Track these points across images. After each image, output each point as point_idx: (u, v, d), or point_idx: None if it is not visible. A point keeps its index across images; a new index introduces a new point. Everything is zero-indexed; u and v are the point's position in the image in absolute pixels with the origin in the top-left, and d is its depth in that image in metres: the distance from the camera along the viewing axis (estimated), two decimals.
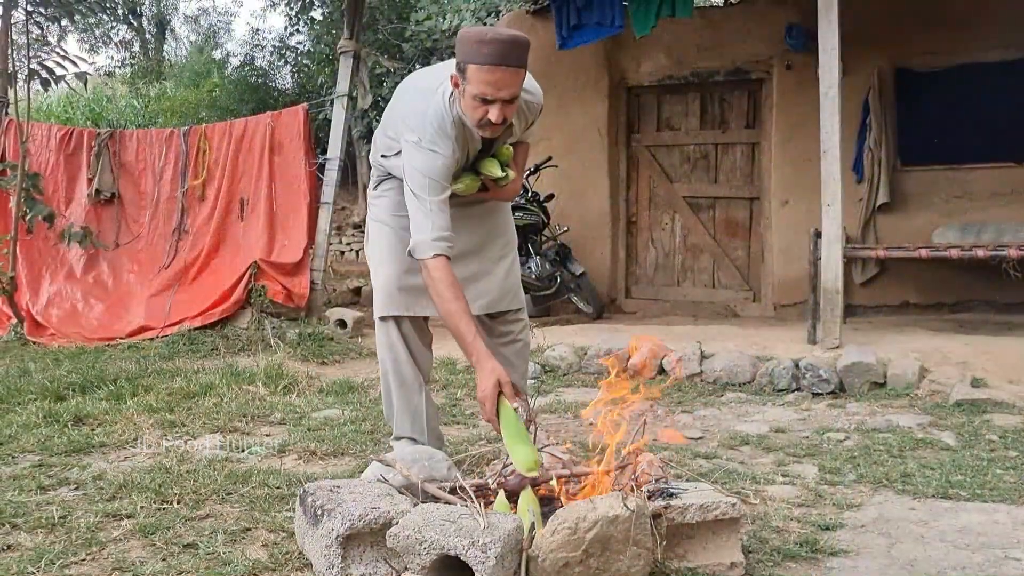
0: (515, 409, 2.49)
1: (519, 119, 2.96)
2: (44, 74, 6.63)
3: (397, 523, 2.11)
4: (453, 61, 2.81)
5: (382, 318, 3.15)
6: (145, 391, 4.60)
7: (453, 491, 2.40)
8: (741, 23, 7.58)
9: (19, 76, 6.88)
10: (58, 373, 5.01)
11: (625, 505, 2.07)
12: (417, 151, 2.82)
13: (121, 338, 6.40)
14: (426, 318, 3.20)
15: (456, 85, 2.74)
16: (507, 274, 3.26)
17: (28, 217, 6.67)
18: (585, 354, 5.49)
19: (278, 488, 2.99)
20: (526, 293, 7.08)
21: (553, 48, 7.13)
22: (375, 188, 3.27)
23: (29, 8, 6.61)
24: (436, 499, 2.37)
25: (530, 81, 2.93)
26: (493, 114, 2.66)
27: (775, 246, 7.53)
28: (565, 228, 7.65)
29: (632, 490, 2.26)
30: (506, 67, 2.61)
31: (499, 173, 2.97)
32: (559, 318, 7.47)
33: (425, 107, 2.85)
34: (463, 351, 2.74)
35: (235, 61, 16.35)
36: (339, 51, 7.09)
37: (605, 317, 7.59)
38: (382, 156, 3.17)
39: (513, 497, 2.36)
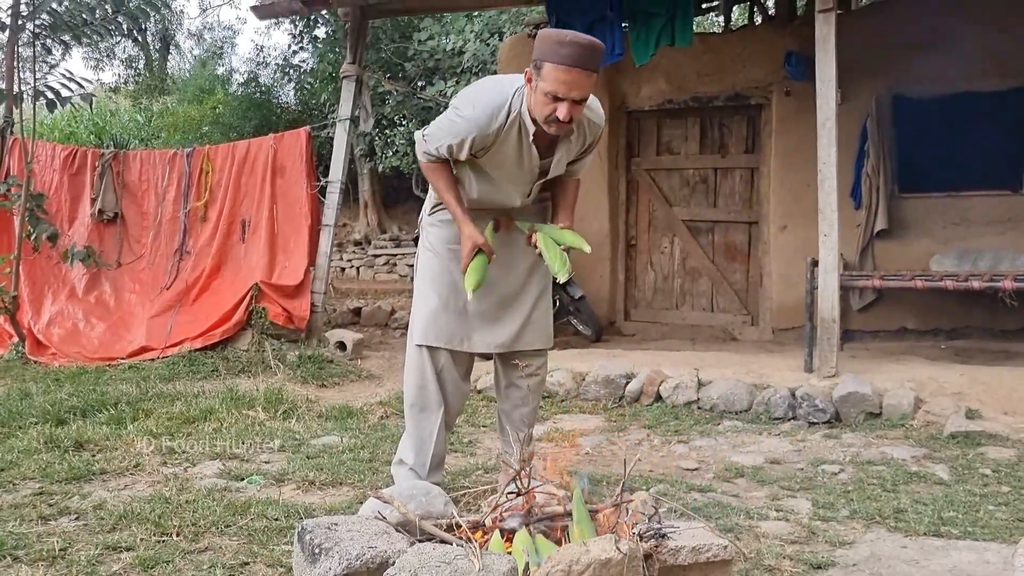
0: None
1: (579, 137, 3.03)
2: (50, 95, 6.69)
3: (393, 563, 2.14)
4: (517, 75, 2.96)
5: (418, 345, 3.21)
6: (145, 415, 4.64)
7: (450, 528, 2.42)
8: (741, 49, 7.64)
9: (25, 96, 6.93)
10: (59, 396, 5.04)
11: (618, 548, 2.10)
12: (465, 113, 2.94)
13: (122, 358, 6.45)
14: (470, 355, 3.26)
15: (529, 80, 2.83)
16: (543, 314, 3.32)
17: (32, 236, 6.72)
18: (583, 380, 5.52)
19: (276, 520, 3.02)
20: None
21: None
22: (431, 213, 3.31)
23: (36, 31, 6.67)
24: (433, 537, 2.40)
25: (593, 101, 3.02)
26: (562, 112, 2.75)
27: (773, 271, 7.57)
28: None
29: (625, 531, 2.29)
30: (581, 69, 2.71)
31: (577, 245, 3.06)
32: (558, 340, 7.47)
33: (491, 86, 3.00)
34: (454, 219, 3.12)
35: (239, 78, 16.43)
36: (342, 75, 7.15)
37: (604, 340, 7.62)
38: None
39: (508, 536, 2.38)
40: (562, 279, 2.94)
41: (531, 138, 2.92)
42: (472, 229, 3.03)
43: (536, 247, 3.02)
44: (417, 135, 3.15)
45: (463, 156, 2.99)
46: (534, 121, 2.86)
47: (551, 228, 3.08)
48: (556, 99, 2.73)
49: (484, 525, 2.52)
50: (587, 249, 3.00)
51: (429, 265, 3.25)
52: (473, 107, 2.93)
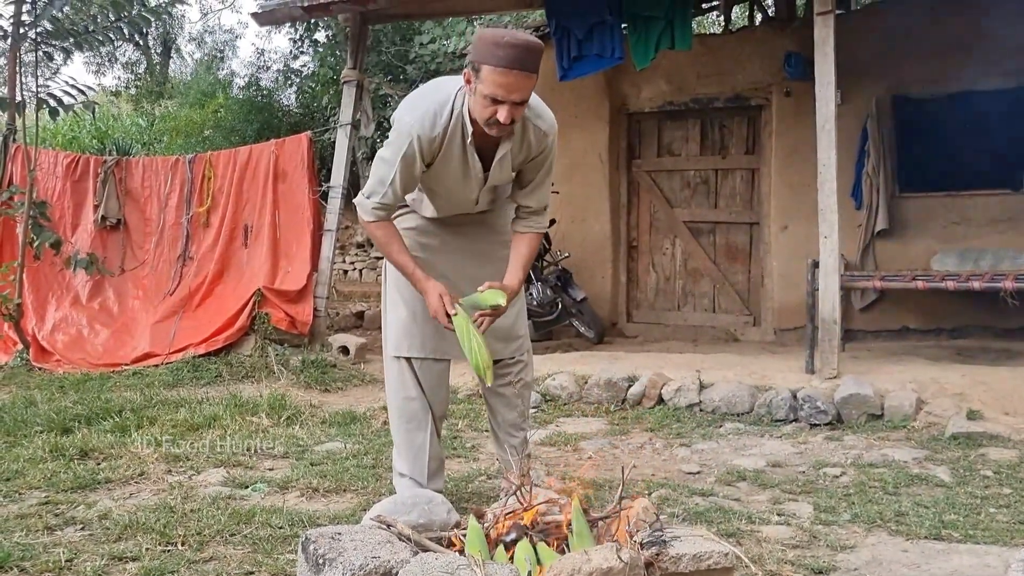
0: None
1: (522, 142, 2.95)
2: (52, 103, 6.71)
3: (397, 573, 2.15)
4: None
5: (395, 357, 3.20)
6: (150, 423, 4.66)
7: (451, 542, 2.43)
8: (740, 51, 7.66)
9: (27, 104, 6.95)
10: (64, 404, 5.07)
11: (619, 557, 2.12)
12: (402, 121, 2.88)
13: (126, 364, 6.48)
14: (448, 361, 3.24)
15: (468, 82, 2.78)
16: (515, 322, 3.28)
17: (35, 244, 6.75)
18: (585, 383, 5.53)
19: (280, 528, 3.04)
20: (527, 319, 7.17)
21: (554, 75, 7.20)
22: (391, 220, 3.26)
23: (38, 38, 6.69)
24: (438, 543, 2.42)
25: (542, 108, 2.96)
26: (502, 114, 2.71)
27: (775, 271, 7.58)
28: (566, 254, 7.70)
29: (627, 538, 2.30)
30: (520, 71, 2.67)
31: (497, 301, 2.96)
32: (560, 343, 7.53)
33: (432, 92, 2.93)
34: (408, 280, 3.03)
35: (240, 81, 16.46)
36: (343, 81, 7.17)
37: (606, 341, 7.65)
38: None
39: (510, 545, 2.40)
40: (488, 383, 2.88)
41: (470, 140, 2.87)
42: (432, 283, 2.94)
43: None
44: (357, 199, 3.04)
45: (417, 172, 2.92)
46: (474, 123, 2.82)
47: (472, 298, 2.97)
48: (496, 101, 2.69)
49: (488, 535, 2.54)
50: (503, 303, 2.91)
51: (395, 274, 3.21)
52: (414, 109, 2.89)
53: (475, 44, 2.74)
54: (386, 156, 2.93)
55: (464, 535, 2.39)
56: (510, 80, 2.66)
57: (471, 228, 3.21)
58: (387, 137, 3.08)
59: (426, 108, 2.86)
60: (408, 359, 3.17)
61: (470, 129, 2.85)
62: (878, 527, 3.11)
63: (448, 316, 2.89)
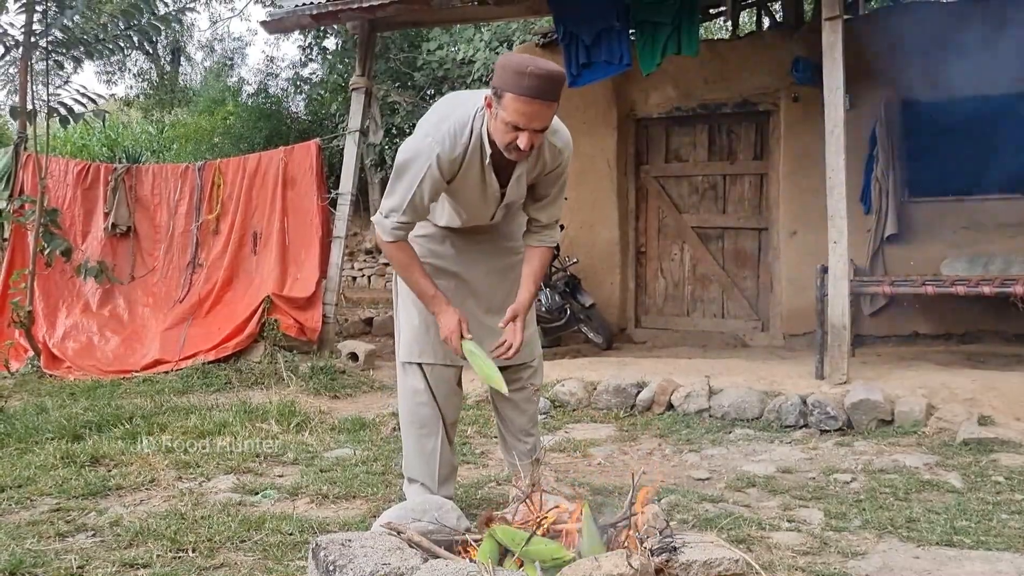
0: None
1: (538, 162, 2.98)
2: (63, 112, 6.74)
3: None
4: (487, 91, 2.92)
5: (407, 363, 3.20)
6: (160, 429, 4.67)
7: (465, 546, 2.44)
8: (748, 56, 7.66)
9: (38, 112, 6.99)
10: (74, 410, 5.09)
11: (629, 564, 2.11)
12: (423, 140, 2.89)
13: (136, 371, 6.51)
14: (459, 367, 3.24)
15: (489, 107, 2.80)
16: (525, 327, 3.28)
17: (46, 251, 6.78)
18: (594, 389, 5.53)
19: (290, 535, 3.05)
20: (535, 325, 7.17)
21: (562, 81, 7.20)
22: None
23: (49, 47, 6.73)
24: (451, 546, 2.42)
25: (558, 124, 2.96)
26: (522, 141, 2.73)
27: (783, 276, 7.57)
28: (575, 260, 7.70)
29: (637, 544, 2.30)
30: (542, 100, 2.68)
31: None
32: (569, 348, 7.52)
33: (451, 111, 2.94)
34: (424, 304, 3.04)
35: (249, 89, 16.51)
36: (351, 88, 7.20)
37: (615, 347, 7.64)
38: None
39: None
40: (504, 392, 2.89)
41: (488, 160, 2.90)
42: (451, 310, 2.97)
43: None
44: (375, 217, 3.04)
45: (437, 191, 2.93)
46: (492, 144, 2.84)
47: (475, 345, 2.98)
48: (517, 128, 2.71)
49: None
50: (505, 392, 2.90)
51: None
52: (435, 130, 2.89)
53: (499, 71, 2.74)
54: (404, 176, 2.92)
55: (477, 540, 2.39)
56: (532, 109, 2.67)
57: (483, 235, 3.23)
58: (397, 145, 3.09)
59: (447, 129, 2.88)
60: (420, 365, 3.18)
61: (489, 150, 2.87)
62: (889, 533, 3.09)
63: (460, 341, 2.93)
